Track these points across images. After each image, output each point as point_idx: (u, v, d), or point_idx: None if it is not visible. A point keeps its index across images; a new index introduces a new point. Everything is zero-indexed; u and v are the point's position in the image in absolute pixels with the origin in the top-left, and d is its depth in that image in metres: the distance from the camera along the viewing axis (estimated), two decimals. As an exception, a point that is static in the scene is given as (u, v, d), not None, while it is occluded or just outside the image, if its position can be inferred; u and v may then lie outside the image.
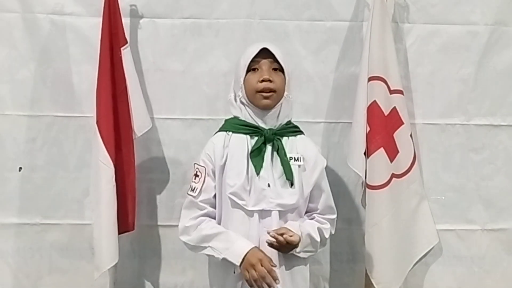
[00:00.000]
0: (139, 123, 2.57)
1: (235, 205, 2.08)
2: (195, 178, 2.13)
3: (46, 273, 2.73)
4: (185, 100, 2.70)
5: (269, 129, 2.12)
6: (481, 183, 2.73)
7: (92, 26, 2.60)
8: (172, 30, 2.68)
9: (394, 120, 2.55)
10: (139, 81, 2.59)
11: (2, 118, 2.68)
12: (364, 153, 2.52)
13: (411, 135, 2.59)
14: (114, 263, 2.50)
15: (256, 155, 2.09)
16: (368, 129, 2.51)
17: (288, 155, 2.11)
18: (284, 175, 2.09)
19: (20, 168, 2.68)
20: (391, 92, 2.55)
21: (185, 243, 2.12)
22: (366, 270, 2.56)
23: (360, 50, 2.61)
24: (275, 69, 2.11)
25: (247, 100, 2.12)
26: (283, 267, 2.08)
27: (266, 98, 2.09)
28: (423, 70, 2.70)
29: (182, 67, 2.69)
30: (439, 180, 2.73)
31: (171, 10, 2.67)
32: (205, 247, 2.07)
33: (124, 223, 2.56)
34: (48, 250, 2.72)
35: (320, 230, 2.12)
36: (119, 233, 2.53)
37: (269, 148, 2.11)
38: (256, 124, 2.12)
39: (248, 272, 1.98)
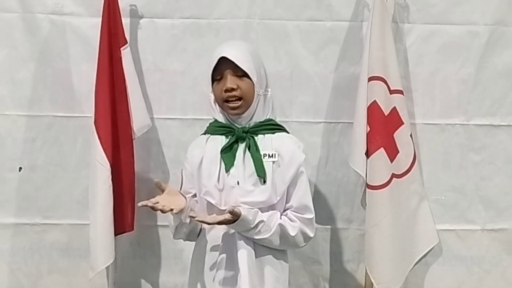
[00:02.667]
0: (139, 123, 2.57)
1: (209, 205, 2.08)
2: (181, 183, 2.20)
3: (45, 273, 2.74)
4: (185, 100, 2.70)
5: (241, 127, 2.11)
6: (481, 183, 2.73)
7: (92, 26, 2.60)
8: (172, 30, 2.68)
9: (394, 120, 2.55)
10: (139, 81, 2.60)
11: (2, 118, 2.68)
12: (365, 153, 2.51)
13: (411, 135, 2.59)
14: (108, 264, 2.50)
15: (226, 152, 2.08)
16: (368, 129, 2.51)
17: (262, 152, 2.07)
18: (256, 172, 2.06)
19: (20, 168, 2.69)
20: (391, 92, 2.55)
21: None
22: (366, 270, 2.56)
23: (360, 50, 2.62)
24: (239, 75, 2.07)
25: (219, 106, 2.13)
26: (254, 259, 2.06)
27: (233, 108, 2.08)
28: (423, 70, 2.70)
29: (182, 67, 2.69)
30: (439, 180, 2.72)
31: (171, 10, 2.67)
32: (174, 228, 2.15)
33: (123, 223, 2.57)
34: (48, 250, 2.72)
35: (281, 226, 2.06)
36: (118, 234, 2.54)
37: (241, 146, 2.10)
38: (230, 124, 2.12)
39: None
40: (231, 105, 2.08)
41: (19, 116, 2.68)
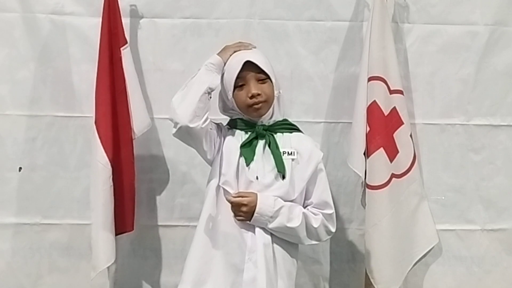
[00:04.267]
0: (139, 123, 2.57)
1: (227, 193, 2.09)
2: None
3: (46, 273, 2.74)
4: (185, 100, 2.70)
5: (262, 125, 2.14)
6: (481, 183, 2.73)
7: (92, 26, 2.60)
8: (172, 30, 2.68)
9: (394, 120, 2.55)
10: (139, 81, 2.60)
11: (2, 118, 2.68)
12: (364, 153, 2.52)
13: (411, 135, 2.59)
14: (110, 263, 2.50)
15: (246, 148, 2.11)
16: (368, 129, 2.51)
17: (281, 150, 2.12)
18: (275, 168, 2.09)
19: (20, 168, 2.69)
20: (391, 92, 2.55)
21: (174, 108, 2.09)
22: (366, 270, 2.56)
23: (360, 50, 2.62)
24: (261, 79, 2.10)
25: (239, 111, 2.15)
26: (270, 249, 2.07)
27: (257, 109, 2.11)
28: (423, 70, 2.70)
29: (182, 67, 2.69)
30: (439, 180, 2.73)
31: (171, 10, 2.67)
32: (185, 87, 2.07)
33: (123, 224, 2.57)
34: (48, 250, 2.72)
35: (305, 216, 2.11)
36: (118, 234, 2.54)
37: (261, 143, 2.13)
38: (250, 121, 2.15)
39: (230, 48, 2.11)
40: (256, 107, 2.10)
41: (19, 116, 2.68)
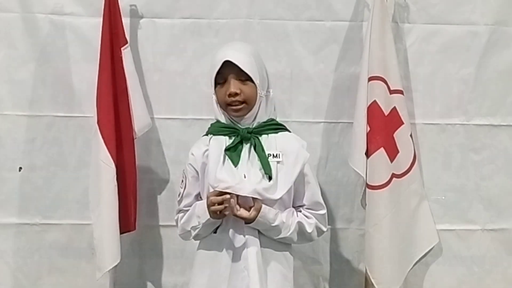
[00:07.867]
0: (139, 123, 2.57)
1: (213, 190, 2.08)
2: (181, 183, 2.22)
3: (45, 273, 2.73)
4: (185, 100, 2.70)
5: (245, 128, 2.11)
6: (481, 183, 2.73)
7: (92, 26, 2.60)
8: (172, 30, 2.68)
9: (394, 120, 2.55)
10: (139, 81, 2.59)
11: (2, 118, 2.68)
12: (364, 153, 2.51)
13: (411, 135, 2.59)
14: (116, 263, 2.49)
15: (231, 152, 2.09)
16: (368, 129, 2.51)
17: (267, 152, 2.09)
18: (262, 170, 2.06)
19: (20, 168, 2.68)
20: (391, 92, 2.55)
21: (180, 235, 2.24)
22: (366, 270, 2.56)
23: (360, 50, 2.61)
24: (242, 79, 2.07)
25: (222, 108, 2.13)
26: (260, 250, 2.07)
27: (236, 110, 2.09)
28: (423, 70, 2.70)
29: (182, 67, 2.69)
30: (439, 180, 2.73)
31: (171, 10, 2.67)
32: (189, 231, 2.15)
33: (126, 223, 2.56)
34: (48, 250, 2.72)
35: (299, 224, 2.11)
36: (120, 233, 2.53)
37: (246, 146, 2.10)
38: (233, 125, 2.13)
39: (213, 210, 2.03)
40: (234, 108, 2.09)
41: (19, 116, 2.68)
